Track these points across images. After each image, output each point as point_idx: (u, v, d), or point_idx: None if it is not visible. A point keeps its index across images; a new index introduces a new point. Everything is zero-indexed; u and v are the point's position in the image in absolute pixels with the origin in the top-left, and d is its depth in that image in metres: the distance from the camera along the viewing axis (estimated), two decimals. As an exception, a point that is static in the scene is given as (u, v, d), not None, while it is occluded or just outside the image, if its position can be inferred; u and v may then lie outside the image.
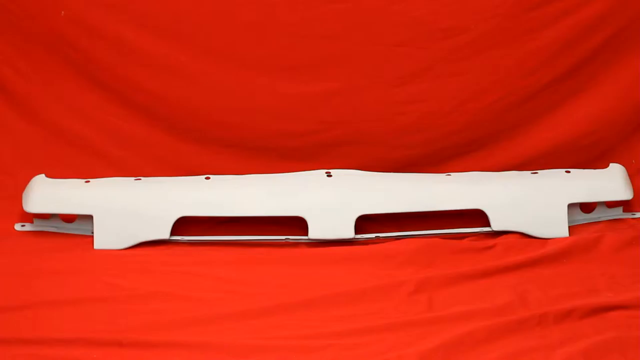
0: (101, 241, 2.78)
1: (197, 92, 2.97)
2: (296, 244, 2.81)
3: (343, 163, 2.97)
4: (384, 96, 2.96)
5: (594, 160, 3.02)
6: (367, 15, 2.91)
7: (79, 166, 2.98)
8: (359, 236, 2.81)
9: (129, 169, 2.98)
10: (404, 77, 2.95)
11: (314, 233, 2.80)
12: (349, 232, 2.80)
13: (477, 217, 2.86)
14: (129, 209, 2.80)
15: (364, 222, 2.85)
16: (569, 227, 2.84)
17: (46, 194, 2.82)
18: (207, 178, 2.90)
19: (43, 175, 2.88)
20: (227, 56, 2.94)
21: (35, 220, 2.86)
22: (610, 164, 2.95)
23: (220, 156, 3.01)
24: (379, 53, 2.94)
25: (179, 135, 3.02)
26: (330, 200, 2.83)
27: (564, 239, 2.78)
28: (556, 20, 2.92)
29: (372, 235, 2.83)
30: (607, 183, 2.90)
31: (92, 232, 2.80)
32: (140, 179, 2.90)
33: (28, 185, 2.86)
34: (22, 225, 2.86)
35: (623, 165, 2.95)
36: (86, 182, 2.87)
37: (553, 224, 2.83)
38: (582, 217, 2.90)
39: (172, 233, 2.80)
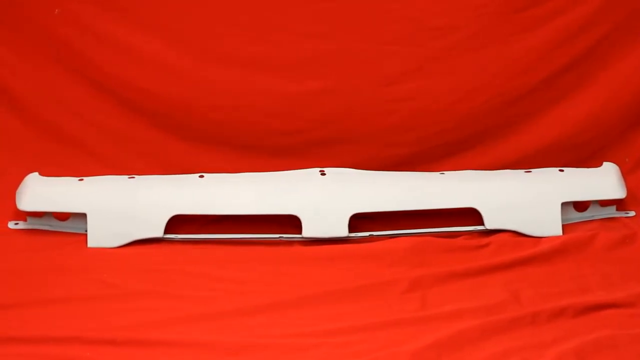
0: (95, 239, 2.78)
1: (191, 90, 2.96)
2: (290, 242, 2.81)
3: (335, 161, 2.96)
4: (375, 95, 2.96)
5: (588, 158, 3.02)
6: (358, 14, 2.91)
7: (72, 164, 2.98)
8: (352, 235, 2.81)
9: (123, 167, 2.98)
10: (396, 75, 2.95)
11: (308, 231, 2.80)
12: (342, 231, 2.80)
13: (471, 215, 2.86)
14: (123, 207, 2.80)
15: (358, 221, 2.85)
16: (563, 225, 2.84)
17: (40, 192, 2.82)
18: (201, 176, 2.90)
19: (36, 173, 2.88)
20: (221, 55, 2.94)
21: (29, 219, 2.85)
22: (604, 163, 2.95)
23: (214, 154, 3.01)
24: (371, 52, 2.94)
25: (173, 133, 3.02)
26: (324, 198, 2.83)
27: (558, 237, 2.78)
28: (548, 20, 2.92)
29: (366, 234, 2.83)
30: (601, 182, 2.90)
31: (86, 231, 2.79)
32: (133, 177, 2.89)
33: (21, 184, 2.86)
34: (16, 224, 2.86)
35: (616, 164, 2.95)
36: (80, 180, 2.87)
37: (546, 223, 2.83)
38: (576, 216, 2.91)
39: (166, 231, 2.80)
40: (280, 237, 2.82)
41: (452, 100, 2.98)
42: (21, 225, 2.85)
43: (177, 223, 2.83)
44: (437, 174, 2.94)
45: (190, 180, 2.88)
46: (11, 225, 2.86)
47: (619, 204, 2.94)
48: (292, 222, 2.82)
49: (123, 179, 2.89)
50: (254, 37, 2.93)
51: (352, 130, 2.99)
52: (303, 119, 2.98)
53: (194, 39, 2.93)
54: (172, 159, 3.01)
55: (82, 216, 2.80)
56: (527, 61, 2.95)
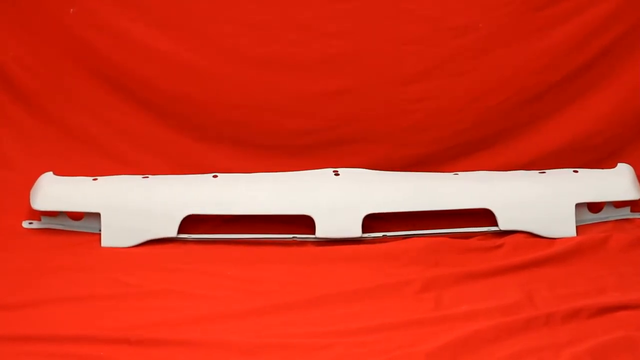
0: (108, 239, 2.78)
1: (206, 89, 2.97)
2: (303, 243, 2.81)
3: (351, 161, 2.96)
4: (392, 94, 2.97)
5: (602, 160, 3.02)
6: (376, 13, 2.91)
7: (86, 164, 2.98)
8: (366, 235, 2.81)
9: (137, 167, 2.98)
10: (413, 75, 2.95)
11: (322, 232, 2.80)
12: (356, 231, 2.80)
13: (485, 216, 2.85)
14: (137, 207, 2.80)
15: (372, 221, 2.85)
16: (577, 226, 2.83)
17: (54, 192, 2.82)
18: (215, 176, 2.90)
19: (51, 172, 2.88)
20: (237, 54, 2.94)
21: (43, 218, 2.86)
22: (618, 164, 2.95)
23: (228, 154, 3.01)
24: (388, 51, 2.94)
25: (187, 133, 3.02)
26: (338, 199, 2.83)
27: (572, 238, 2.78)
28: (565, 20, 2.92)
29: (380, 234, 2.83)
30: (615, 183, 2.90)
31: (100, 230, 2.80)
32: (147, 177, 2.90)
33: (36, 183, 2.86)
34: (30, 223, 2.86)
35: (631, 165, 2.95)
36: (94, 180, 2.87)
37: (561, 224, 2.82)
38: (590, 217, 2.90)
39: (180, 231, 2.80)
40: (293, 237, 2.82)
41: (468, 100, 2.97)
42: (35, 224, 2.86)
43: (190, 223, 2.83)
44: (450, 174, 2.94)
45: (203, 180, 2.89)
46: (25, 224, 2.86)
47: (633, 205, 2.93)
48: (305, 223, 2.82)
49: (137, 178, 2.89)
50: (270, 36, 2.93)
51: (369, 130, 2.99)
52: (319, 118, 2.99)
53: (211, 38, 2.94)
54: (186, 158, 3.01)
55: (96, 216, 2.81)
56: (542, 62, 2.95)
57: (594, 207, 2.91)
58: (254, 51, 2.94)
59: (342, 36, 2.93)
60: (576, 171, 2.93)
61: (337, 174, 2.89)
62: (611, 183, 2.90)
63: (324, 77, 2.95)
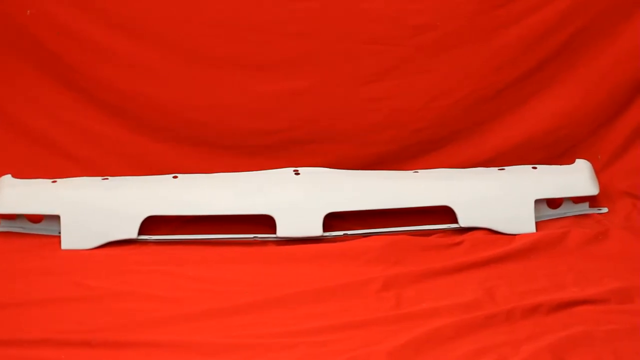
0: (68, 241, 2.77)
1: (166, 90, 2.96)
2: (264, 242, 2.81)
3: (312, 161, 2.97)
4: (353, 93, 2.97)
5: (561, 156, 3.04)
6: (336, 13, 2.92)
7: (45, 166, 2.97)
8: (327, 234, 2.82)
9: (96, 169, 2.97)
10: (373, 74, 2.96)
11: (282, 231, 2.80)
12: (317, 230, 2.80)
13: (445, 213, 2.86)
14: (97, 209, 2.79)
15: (332, 220, 2.85)
16: (536, 222, 2.85)
17: (12, 195, 2.80)
18: (175, 177, 2.89)
19: (9, 175, 2.86)
20: (196, 54, 2.94)
21: (2, 221, 2.84)
22: (577, 160, 2.97)
23: (189, 155, 3.01)
24: (348, 51, 2.94)
25: (146, 134, 3.01)
26: (298, 198, 2.83)
27: (531, 234, 2.80)
28: (522, 18, 2.94)
29: (340, 233, 2.83)
30: (574, 179, 2.92)
31: (60, 232, 2.79)
32: (107, 179, 2.89)
33: (-6, 186, 2.85)
34: (-11, 226, 2.85)
35: (589, 161, 2.97)
36: (53, 182, 2.86)
37: (520, 220, 2.84)
38: (549, 213, 2.92)
39: (140, 232, 2.80)
40: (254, 237, 2.82)
41: (428, 98, 2.98)
42: (-6, 227, 2.85)
43: (151, 224, 2.82)
44: (410, 172, 2.95)
45: (164, 181, 2.88)
46: (-16, 228, 2.85)
47: (591, 200, 2.96)
48: (266, 222, 2.82)
49: (97, 180, 2.88)
50: (232, 37, 2.92)
51: (331, 130, 3.00)
52: (281, 118, 2.99)
53: (170, 38, 2.93)
54: (146, 159, 3.00)
55: (56, 218, 2.79)
56: (499, 60, 2.97)
57: (553, 203, 2.94)
58: (213, 51, 2.93)
59: (303, 36, 2.93)
60: (535, 167, 2.95)
61: (297, 174, 2.89)
62: (570, 179, 2.92)
63: (283, 77, 2.95)
